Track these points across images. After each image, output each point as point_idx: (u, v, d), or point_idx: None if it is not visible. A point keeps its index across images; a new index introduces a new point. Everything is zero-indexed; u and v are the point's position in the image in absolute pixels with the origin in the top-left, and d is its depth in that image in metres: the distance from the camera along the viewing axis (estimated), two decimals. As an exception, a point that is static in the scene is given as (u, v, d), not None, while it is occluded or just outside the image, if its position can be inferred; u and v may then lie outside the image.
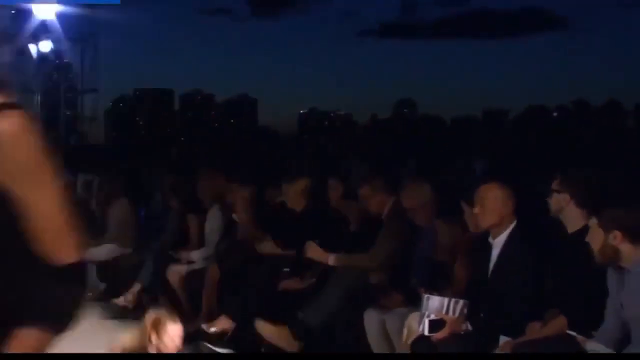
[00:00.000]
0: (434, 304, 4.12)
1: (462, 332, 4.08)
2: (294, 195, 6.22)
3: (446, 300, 4.12)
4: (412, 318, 4.40)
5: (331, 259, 5.29)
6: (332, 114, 65.71)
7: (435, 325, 4.08)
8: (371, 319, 4.83)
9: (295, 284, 5.82)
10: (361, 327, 4.96)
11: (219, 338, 6.24)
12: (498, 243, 4.28)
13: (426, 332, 4.11)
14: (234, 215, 7.10)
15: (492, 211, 4.24)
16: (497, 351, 3.83)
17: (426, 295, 4.18)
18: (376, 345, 4.77)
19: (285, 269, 6.00)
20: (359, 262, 5.27)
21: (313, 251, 5.37)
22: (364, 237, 5.55)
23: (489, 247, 4.30)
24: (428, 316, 4.10)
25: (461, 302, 4.13)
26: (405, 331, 4.40)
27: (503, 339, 3.86)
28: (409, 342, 4.35)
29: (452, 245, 4.64)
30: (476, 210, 4.29)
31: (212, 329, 6.14)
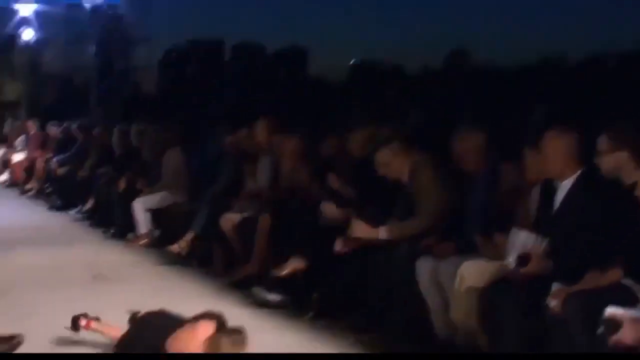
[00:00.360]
0: (523, 239, 4.09)
1: (546, 270, 4.01)
2: (359, 142, 6.18)
3: (532, 236, 4.09)
4: (465, 266, 4.40)
5: (382, 233, 5.26)
6: (383, 64, 65.06)
7: (522, 259, 4.06)
8: (423, 267, 4.84)
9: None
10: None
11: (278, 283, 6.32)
12: (564, 187, 4.21)
13: (513, 265, 4.09)
14: (285, 165, 7.13)
15: (558, 157, 4.18)
16: (549, 298, 3.79)
17: (514, 230, 4.15)
18: (428, 293, 4.78)
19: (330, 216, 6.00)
20: (410, 229, 5.24)
21: (361, 230, 5.33)
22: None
23: (553, 192, 4.23)
24: (517, 251, 4.08)
25: (541, 239, 4.08)
26: (457, 279, 4.40)
27: (556, 286, 3.83)
28: (462, 289, 4.36)
29: (514, 190, 4.59)
30: (542, 156, 4.22)
31: (284, 272, 6.18)
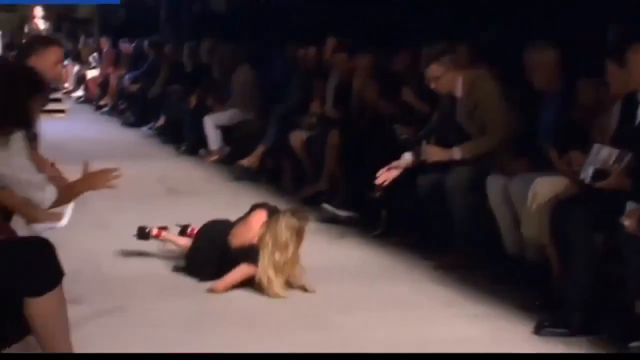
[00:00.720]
0: (604, 155, 4.02)
1: (626, 187, 3.95)
2: (432, 58, 6.09)
3: (615, 151, 4.00)
4: (538, 183, 4.35)
5: (456, 154, 5.22)
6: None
7: (599, 174, 4.02)
8: (494, 184, 4.81)
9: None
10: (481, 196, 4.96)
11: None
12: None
13: (588, 180, 4.05)
14: (355, 82, 7.10)
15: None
16: (624, 217, 3.73)
17: (596, 145, 4.08)
18: (499, 209, 4.77)
19: (404, 135, 5.96)
20: (484, 148, 5.18)
21: (435, 153, 5.29)
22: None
23: (635, 106, 4.12)
24: (595, 165, 4.02)
25: (629, 154, 3.98)
26: (530, 196, 4.36)
27: (630, 205, 3.76)
28: (534, 206, 4.33)
29: (593, 104, 4.48)
30: (625, 69, 4.09)
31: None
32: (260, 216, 4.85)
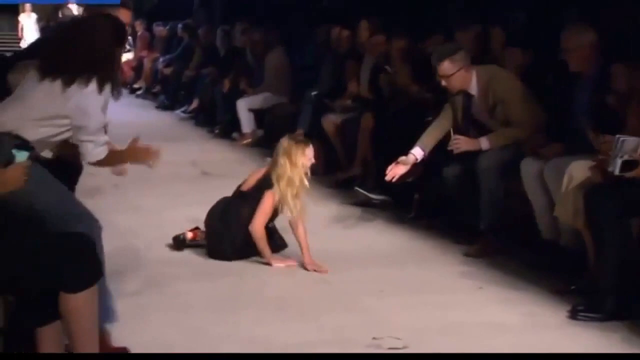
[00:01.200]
0: (629, 145, 3.98)
1: None
2: (465, 43, 6.02)
3: None
4: (574, 166, 4.30)
5: (484, 144, 5.16)
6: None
7: (627, 165, 3.97)
8: (528, 168, 4.76)
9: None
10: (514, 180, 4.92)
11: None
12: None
13: (617, 172, 4.00)
14: (387, 67, 7.05)
15: None
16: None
17: (621, 138, 4.02)
18: (533, 193, 4.72)
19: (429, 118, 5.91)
20: (511, 139, 5.11)
21: (464, 143, 5.21)
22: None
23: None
24: (622, 157, 3.98)
25: None
26: (565, 179, 4.31)
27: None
28: (569, 190, 4.28)
29: (627, 90, 4.40)
30: None
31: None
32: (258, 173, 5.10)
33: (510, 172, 4.99)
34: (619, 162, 3.99)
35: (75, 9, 11.78)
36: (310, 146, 4.95)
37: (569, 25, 4.98)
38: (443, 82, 5.25)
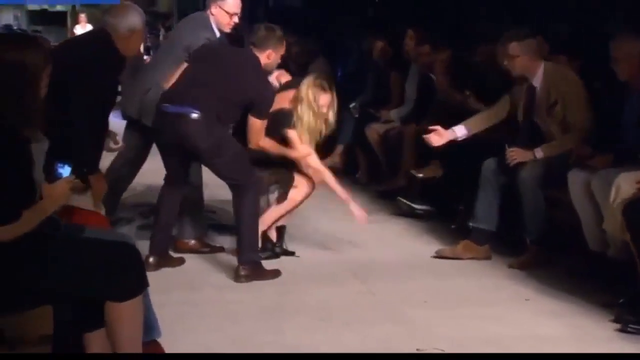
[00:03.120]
0: None
1: None
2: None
3: None
4: (622, 178, 4.24)
5: (537, 154, 5.12)
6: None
7: None
8: (576, 179, 4.71)
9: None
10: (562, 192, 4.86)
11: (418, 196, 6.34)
12: None
13: None
14: (433, 76, 7.03)
15: None
16: None
17: None
18: (580, 204, 4.67)
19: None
20: (566, 147, 5.05)
21: (519, 155, 5.14)
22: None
23: None
24: None
25: None
26: (613, 191, 4.25)
27: None
28: (617, 202, 4.22)
29: None
30: None
31: (420, 175, 6.25)
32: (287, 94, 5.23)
33: (555, 182, 4.94)
34: None
35: None
36: (326, 95, 5.16)
37: (618, 34, 4.91)
38: (505, 62, 5.23)
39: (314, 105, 5.11)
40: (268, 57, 4.95)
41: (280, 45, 5.02)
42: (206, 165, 4.97)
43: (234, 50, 5.41)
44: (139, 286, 3.08)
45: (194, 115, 4.69)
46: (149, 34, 18.24)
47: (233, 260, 5.02)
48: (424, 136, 5.49)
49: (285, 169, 5.24)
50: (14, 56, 2.95)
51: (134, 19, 4.40)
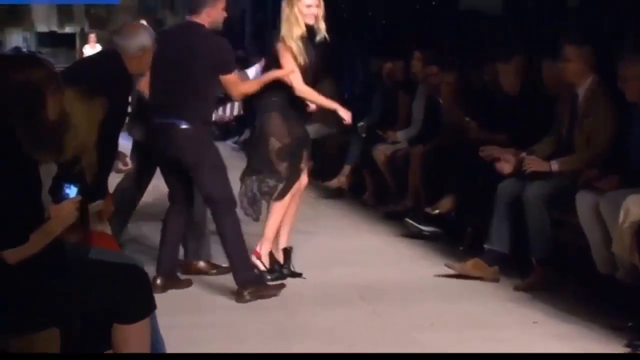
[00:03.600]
0: None
1: None
2: (507, 75, 5.98)
3: None
4: (631, 200, 4.22)
5: (554, 166, 5.12)
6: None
7: None
8: (584, 201, 4.69)
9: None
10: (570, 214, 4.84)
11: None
12: None
13: None
14: (440, 99, 7.03)
15: None
16: None
17: None
18: (589, 226, 4.64)
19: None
20: (583, 163, 5.03)
21: (536, 164, 5.17)
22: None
23: None
24: None
25: None
26: (622, 213, 4.24)
27: None
28: (626, 224, 4.20)
29: None
30: None
31: (436, 211, 6.19)
32: None
33: (561, 203, 4.93)
34: None
35: None
36: None
37: (627, 54, 4.89)
38: (561, 64, 5.19)
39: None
40: (208, 15, 4.91)
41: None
42: (191, 177, 4.96)
43: (178, 32, 5.21)
44: (147, 308, 3.08)
45: (183, 126, 4.76)
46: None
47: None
48: (496, 165, 5.41)
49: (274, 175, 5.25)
50: (16, 75, 2.96)
51: (144, 38, 4.44)
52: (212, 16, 4.93)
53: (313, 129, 9.12)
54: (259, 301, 4.79)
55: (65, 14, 33.96)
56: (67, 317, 2.98)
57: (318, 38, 5.21)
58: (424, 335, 4.28)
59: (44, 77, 3.01)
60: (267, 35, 15.24)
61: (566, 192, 4.86)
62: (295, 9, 5.05)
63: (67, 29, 32.34)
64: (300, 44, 5.09)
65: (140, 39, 4.41)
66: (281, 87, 5.12)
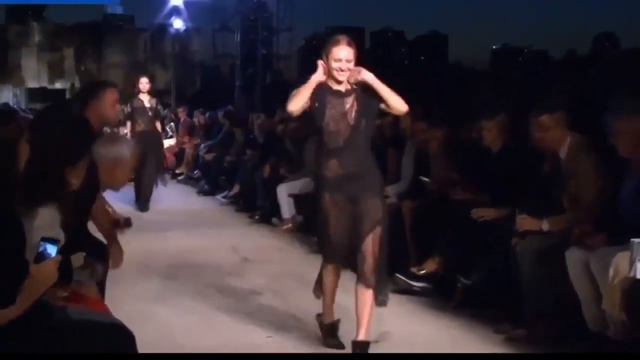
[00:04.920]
0: None
1: None
2: (490, 131, 6.06)
3: None
4: (620, 257, 4.23)
5: (544, 225, 5.16)
6: (525, 50, 63.45)
7: None
8: (574, 258, 4.70)
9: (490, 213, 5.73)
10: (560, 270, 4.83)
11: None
12: None
13: (638, 276, 3.95)
14: (430, 154, 7.06)
15: None
16: None
17: (636, 241, 3.98)
18: (579, 283, 4.64)
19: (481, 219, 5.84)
20: (572, 220, 5.03)
21: (527, 223, 5.21)
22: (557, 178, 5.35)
23: None
24: (639, 260, 3.93)
25: None
26: (611, 271, 4.24)
27: None
28: (615, 282, 4.20)
29: None
30: None
31: (422, 271, 6.21)
32: None
33: (552, 259, 4.93)
34: (638, 266, 3.94)
35: (147, 100, 11.38)
36: (335, 47, 4.59)
37: (618, 108, 4.89)
38: (537, 134, 5.16)
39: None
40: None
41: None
42: None
43: None
44: None
45: None
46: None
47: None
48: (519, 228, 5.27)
49: None
50: None
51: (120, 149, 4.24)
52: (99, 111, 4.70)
53: (302, 183, 9.19)
54: None
55: (55, 70, 34.36)
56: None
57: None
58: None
59: (14, 133, 3.02)
60: (256, 89, 15.44)
61: (557, 248, 4.87)
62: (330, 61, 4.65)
63: (58, 85, 32.75)
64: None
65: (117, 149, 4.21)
66: None
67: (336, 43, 4.53)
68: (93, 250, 3.93)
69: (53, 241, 2.97)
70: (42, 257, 2.93)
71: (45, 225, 3.14)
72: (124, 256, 4.35)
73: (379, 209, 4.55)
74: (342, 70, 4.56)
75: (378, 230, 4.52)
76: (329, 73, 4.62)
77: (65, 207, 3.29)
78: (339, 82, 4.62)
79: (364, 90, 4.59)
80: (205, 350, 4.83)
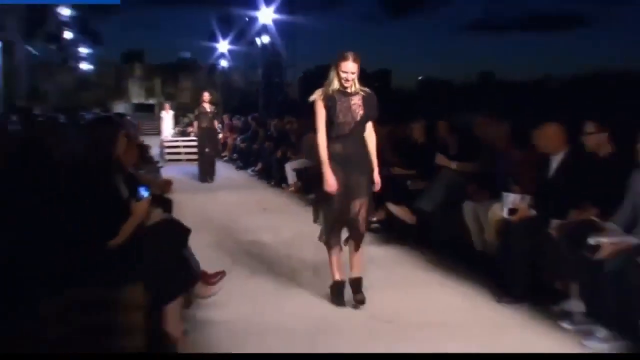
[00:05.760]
0: (510, 198, 4.01)
1: (530, 216, 3.91)
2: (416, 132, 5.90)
3: (519, 196, 4.00)
4: (496, 207, 4.29)
5: (453, 165, 5.07)
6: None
7: (512, 212, 3.99)
8: (467, 207, 4.71)
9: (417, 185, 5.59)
10: (459, 215, 4.69)
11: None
12: (555, 160, 4.05)
13: (506, 216, 4.01)
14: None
15: (552, 144, 4.00)
16: (550, 228, 3.66)
17: (505, 193, 4.05)
18: (471, 222, 4.63)
19: (409, 182, 5.59)
20: (469, 168, 4.98)
21: (442, 160, 5.12)
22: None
23: (548, 164, 4.07)
24: (507, 206, 4.00)
25: (527, 197, 3.98)
26: (490, 214, 4.31)
27: (555, 222, 3.71)
28: (493, 221, 4.26)
29: (521, 163, 4.35)
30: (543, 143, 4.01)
31: (374, 218, 5.35)
32: None
33: (454, 212, 4.70)
34: (505, 210, 4.02)
35: (207, 107, 10.60)
36: (344, 62, 3.81)
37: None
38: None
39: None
40: None
41: None
42: None
43: None
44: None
45: None
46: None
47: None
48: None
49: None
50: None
51: None
52: None
53: (301, 162, 9.18)
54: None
55: (149, 92, 35.20)
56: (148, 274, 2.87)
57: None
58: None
59: (114, 129, 3.09)
60: (272, 104, 15.39)
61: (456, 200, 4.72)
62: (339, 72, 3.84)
63: (150, 101, 33.29)
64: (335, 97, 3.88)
65: None
66: None
67: (345, 58, 3.80)
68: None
69: (146, 187, 2.98)
70: (140, 197, 2.94)
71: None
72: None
73: (368, 184, 3.93)
74: (347, 80, 3.84)
75: (366, 199, 3.93)
76: (338, 78, 3.85)
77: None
78: (345, 88, 3.90)
79: (367, 97, 3.93)
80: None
